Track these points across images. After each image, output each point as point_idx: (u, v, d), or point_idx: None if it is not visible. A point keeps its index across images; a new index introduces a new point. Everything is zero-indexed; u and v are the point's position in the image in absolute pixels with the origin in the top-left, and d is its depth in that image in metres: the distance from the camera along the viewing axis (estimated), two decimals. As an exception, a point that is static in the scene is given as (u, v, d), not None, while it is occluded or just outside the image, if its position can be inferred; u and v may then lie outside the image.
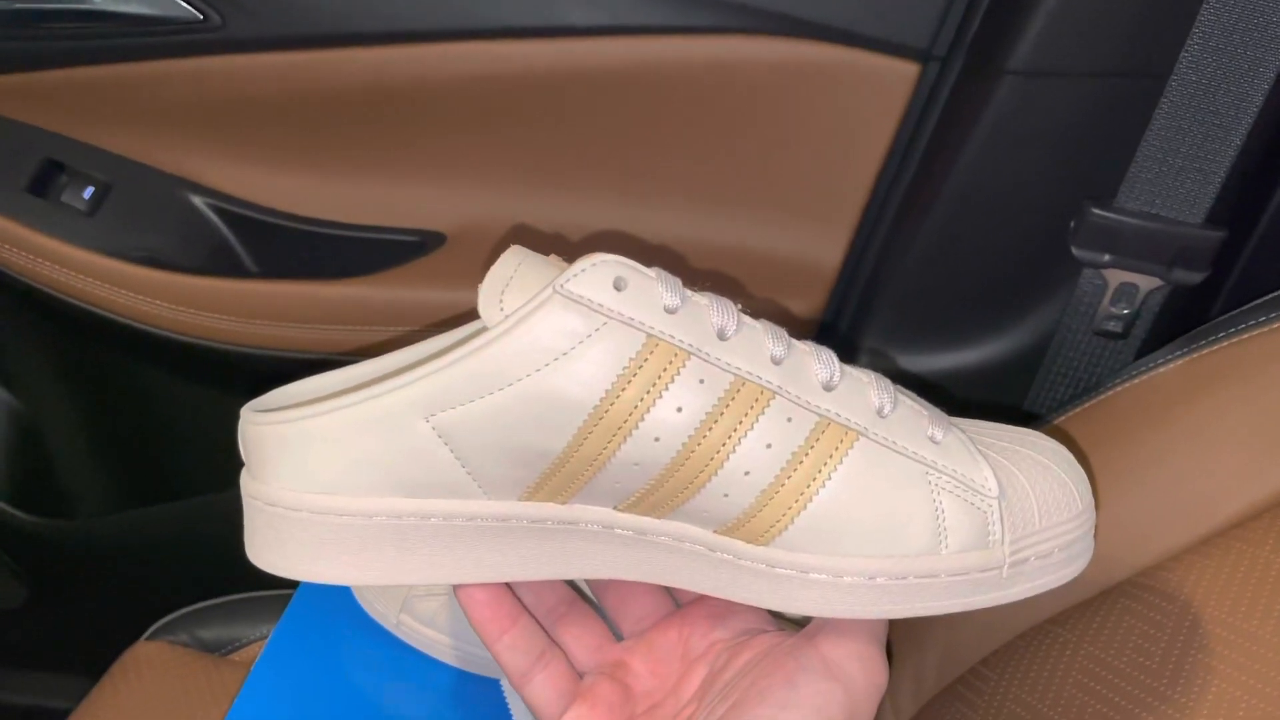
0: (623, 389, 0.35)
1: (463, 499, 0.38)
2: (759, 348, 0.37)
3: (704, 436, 0.36)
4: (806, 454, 0.37)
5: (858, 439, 0.37)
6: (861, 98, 0.67)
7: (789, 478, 0.37)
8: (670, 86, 0.68)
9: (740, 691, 0.37)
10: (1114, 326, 0.65)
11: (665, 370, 0.36)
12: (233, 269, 0.75)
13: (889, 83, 0.66)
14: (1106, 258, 0.63)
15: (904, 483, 0.37)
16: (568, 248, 0.73)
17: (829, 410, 0.37)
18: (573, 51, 0.67)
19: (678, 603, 0.45)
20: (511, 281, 0.36)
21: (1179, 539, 0.50)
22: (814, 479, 0.37)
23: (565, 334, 0.35)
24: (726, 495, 0.37)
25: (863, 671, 0.37)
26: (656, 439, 0.36)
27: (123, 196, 0.73)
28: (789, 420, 0.37)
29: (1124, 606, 0.49)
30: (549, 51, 0.67)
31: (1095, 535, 0.51)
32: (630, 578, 0.41)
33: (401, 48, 0.67)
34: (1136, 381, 0.56)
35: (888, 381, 0.39)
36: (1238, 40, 0.56)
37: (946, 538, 0.37)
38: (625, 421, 0.36)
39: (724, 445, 0.36)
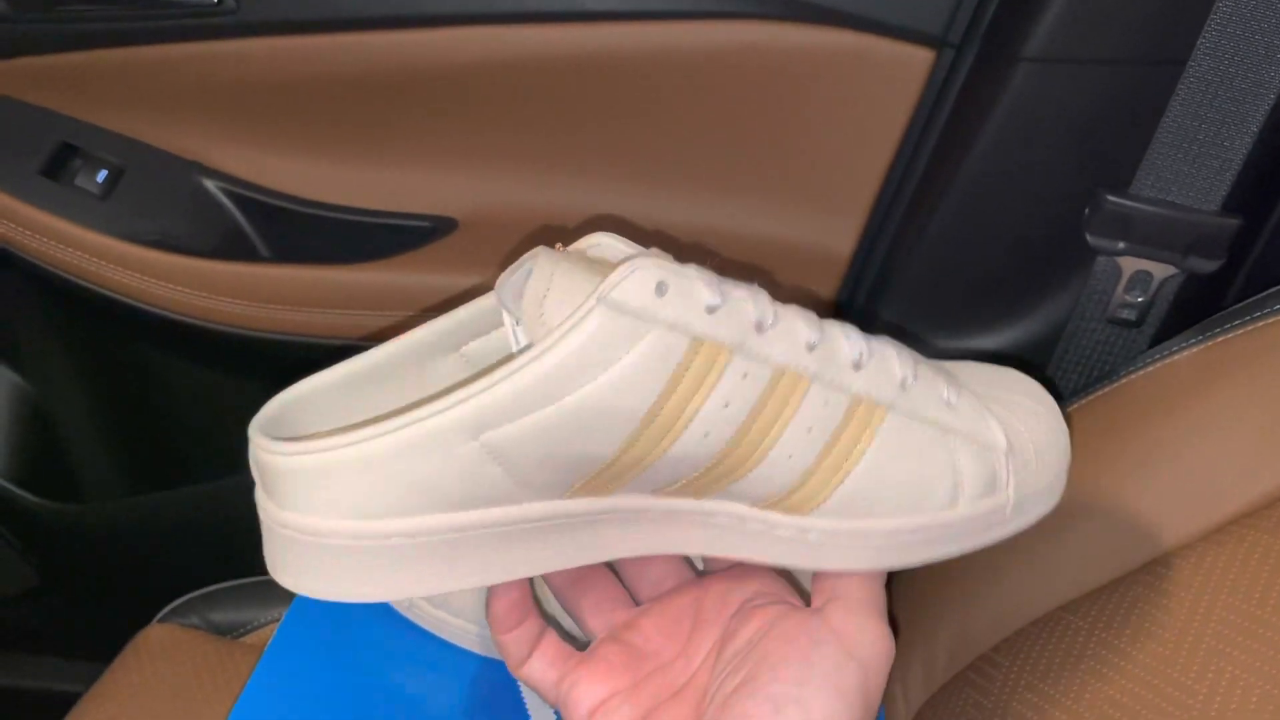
0: (671, 393, 0.35)
1: (508, 506, 0.38)
2: (795, 335, 0.38)
3: (750, 427, 0.37)
4: (843, 432, 0.38)
5: (887, 413, 0.39)
6: (875, 84, 0.67)
7: (828, 456, 0.38)
8: (684, 72, 0.68)
9: (752, 664, 0.37)
10: (1127, 314, 0.65)
11: (711, 369, 0.36)
12: (245, 253, 0.76)
13: (903, 69, 0.66)
14: (1121, 245, 0.63)
15: (928, 448, 0.40)
16: (577, 234, 0.73)
17: (860, 389, 0.39)
18: (586, 37, 0.67)
19: (697, 569, 0.45)
20: (549, 292, 0.36)
21: (1192, 527, 0.50)
22: (849, 455, 0.38)
23: (611, 344, 0.34)
24: (770, 478, 0.38)
25: (872, 643, 0.37)
26: (705, 434, 0.36)
27: (136, 180, 0.74)
28: (826, 403, 0.38)
29: (1136, 594, 0.49)
30: (562, 36, 0.67)
31: (1108, 524, 0.52)
32: (662, 552, 0.41)
33: (415, 32, 0.67)
34: (1150, 369, 0.56)
35: (905, 349, 0.41)
36: (1255, 27, 0.56)
37: (963, 491, 0.40)
38: (675, 423, 0.36)
39: (769, 433, 0.37)
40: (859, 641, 0.37)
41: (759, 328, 0.37)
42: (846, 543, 0.40)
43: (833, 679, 0.36)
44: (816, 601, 0.40)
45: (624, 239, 0.39)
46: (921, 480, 0.40)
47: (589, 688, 0.41)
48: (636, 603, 0.45)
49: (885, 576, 0.41)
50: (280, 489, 0.37)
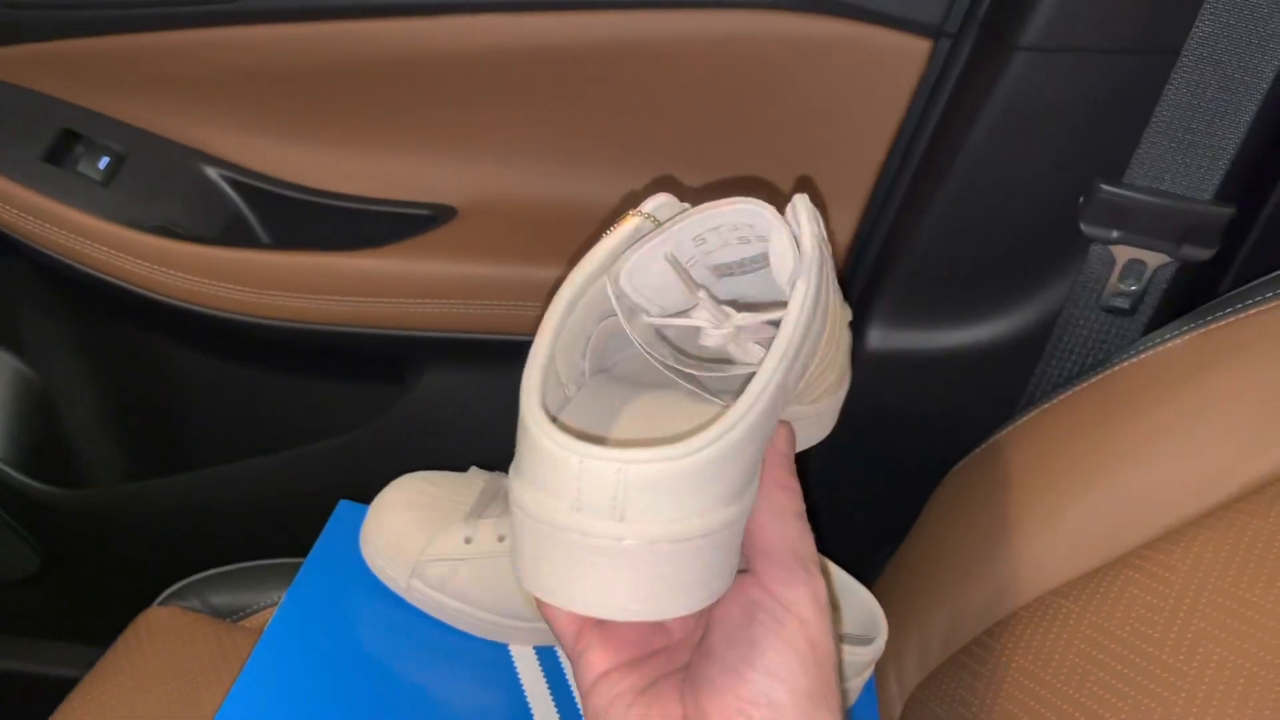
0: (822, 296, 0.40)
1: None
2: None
3: (819, 328, 0.41)
4: (835, 323, 0.44)
5: (840, 303, 0.46)
6: (873, 74, 0.67)
7: (831, 344, 0.44)
8: (683, 61, 0.68)
9: (709, 632, 0.38)
10: (1121, 303, 0.65)
11: (824, 276, 0.40)
12: (246, 240, 0.76)
13: (901, 59, 0.66)
14: (1115, 234, 0.63)
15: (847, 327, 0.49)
16: (581, 223, 0.73)
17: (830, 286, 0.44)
18: (585, 25, 0.67)
19: None
20: (783, 249, 0.39)
21: (1184, 511, 0.50)
22: (840, 341, 0.45)
23: (818, 270, 0.38)
24: (815, 373, 0.43)
25: (801, 598, 0.38)
26: (822, 336, 0.41)
27: (137, 167, 0.74)
28: (833, 298, 0.43)
29: (1128, 578, 0.49)
30: (562, 25, 0.67)
31: (1100, 508, 0.53)
32: None
33: (415, 20, 0.68)
34: (1144, 356, 0.57)
35: None
36: (1249, 17, 0.57)
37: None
38: (824, 327, 0.40)
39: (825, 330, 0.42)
40: (790, 599, 0.38)
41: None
42: (829, 414, 0.48)
43: (782, 637, 0.37)
44: (748, 565, 0.40)
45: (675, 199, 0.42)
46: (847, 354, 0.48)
47: (599, 654, 0.41)
48: None
49: (803, 519, 0.41)
50: (653, 498, 0.32)
